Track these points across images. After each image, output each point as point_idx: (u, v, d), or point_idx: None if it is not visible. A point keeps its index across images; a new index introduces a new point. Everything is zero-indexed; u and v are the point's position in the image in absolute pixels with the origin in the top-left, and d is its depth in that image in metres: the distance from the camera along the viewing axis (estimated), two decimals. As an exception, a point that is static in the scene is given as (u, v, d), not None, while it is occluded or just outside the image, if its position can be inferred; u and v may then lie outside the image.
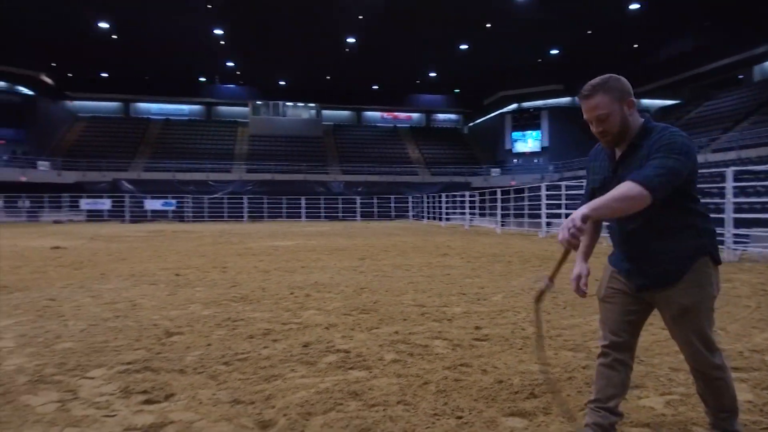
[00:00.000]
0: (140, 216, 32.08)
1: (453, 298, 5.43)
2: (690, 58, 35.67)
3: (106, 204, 32.39)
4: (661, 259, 1.96)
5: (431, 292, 5.83)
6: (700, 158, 27.10)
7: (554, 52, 38.09)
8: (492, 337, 3.88)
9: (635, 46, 35.81)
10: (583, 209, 1.73)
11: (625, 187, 1.76)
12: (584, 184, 2.32)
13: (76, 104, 46.60)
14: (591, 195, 2.20)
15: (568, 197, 18.63)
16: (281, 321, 4.43)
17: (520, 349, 3.57)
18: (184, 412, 2.53)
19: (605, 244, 2.16)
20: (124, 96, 47.33)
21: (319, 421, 2.40)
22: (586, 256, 2.19)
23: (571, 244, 1.73)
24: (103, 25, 32.05)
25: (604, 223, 2.28)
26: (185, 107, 49.50)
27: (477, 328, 4.15)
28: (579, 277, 2.14)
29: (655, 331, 4.04)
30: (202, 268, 8.15)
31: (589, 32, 33.79)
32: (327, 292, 5.86)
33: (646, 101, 43.98)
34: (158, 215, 32.69)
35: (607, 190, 1.99)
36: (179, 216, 32.69)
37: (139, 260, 9.31)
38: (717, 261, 2.02)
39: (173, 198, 33.30)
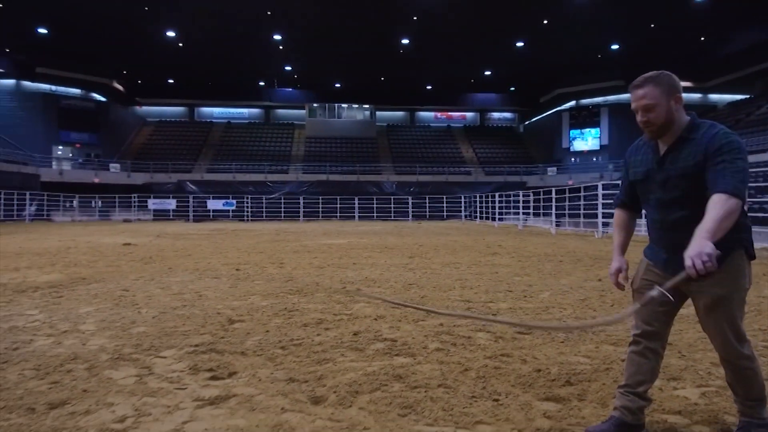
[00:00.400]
0: (203, 215, 33.55)
1: (500, 295, 5.55)
2: (761, 51, 33.78)
3: (171, 204, 34.08)
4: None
5: (478, 288, 5.96)
6: (773, 156, 25.71)
7: (615, 47, 36.99)
8: (535, 331, 3.99)
9: (702, 38, 34.24)
10: (706, 241, 1.76)
11: (725, 204, 1.83)
12: (620, 181, 2.42)
13: (144, 109, 49.21)
14: (629, 188, 2.30)
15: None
16: (333, 312, 4.70)
17: (562, 342, 3.67)
18: (246, 387, 2.81)
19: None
20: (188, 101, 49.59)
21: (366, 399, 2.62)
22: (623, 250, 2.31)
23: (707, 273, 1.75)
24: (170, 33, 33.73)
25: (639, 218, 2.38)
26: (245, 110, 51.30)
27: (521, 322, 4.26)
28: (618, 271, 2.25)
29: (701, 329, 4.03)
30: (260, 263, 8.58)
31: (652, 26, 32.60)
32: (377, 287, 6.10)
33: (714, 96, 42.00)
34: (219, 214, 34.09)
35: (651, 181, 2.12)
36: (239, 215, 33.95)
37: (203, 256, 9.87)
38: (751, 256, 2.09)
39: (233, 198, 34.63)
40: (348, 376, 2.95)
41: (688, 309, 4.84)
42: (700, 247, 1.75)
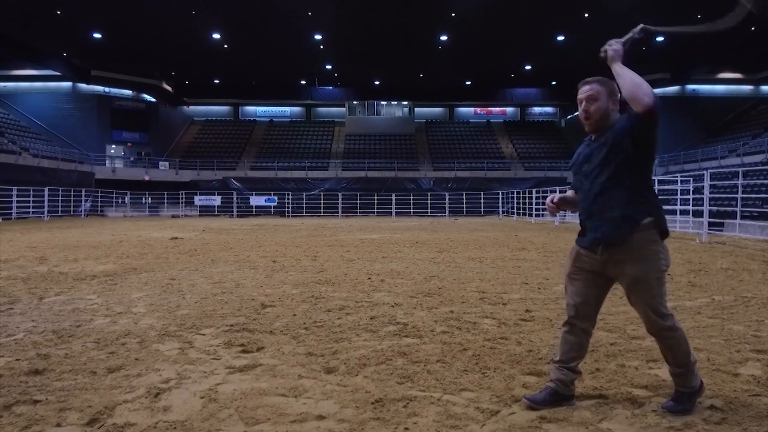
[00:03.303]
0: (246, 211, 34.70)
1: (515, 287, 5.85)
2: (817, 40, 32.22)
3: (216, 200, 35.38)
4: (610, 216, 2.37)
5: (496, 281, 6.27)
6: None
7: (659, 39, 36.00)
8: (538, 318, 4.31)
9: (752, 29, 32.93)
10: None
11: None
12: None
13: (191, 109, 51.01)
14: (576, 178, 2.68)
15: (666, 192, 17.88)
16: (355, 300, 5.13)
17: (560, 328, 3.97)
18: (270, 359, 3.26)
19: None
20: (233, 100, 51.09)
21: (371, 370, 3.03)
22: (564, 197, 2.73)
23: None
24: (216, 36, 34.96)
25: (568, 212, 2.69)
26: (287, 109, 52.45)
27: (527, 311, 4.58)
28: (553, 198, 2.71)
29: (699, 320, 4.27)
30: (295, 256, 9.11)
31: (699, 16, 31.59)
32: (400, 278, 6.49)
33: (766, 88, 40.33)
34: (262, 210, 35.18)
35: (581, 160, 2.53)
36: (280, 211, 34.94)
37: (243, 249, 10.49)
38: (665, 233, 2.40)
39: (275, 195, 35.65)
40: (359, 352, 3.37)
41: (693, 301, 5.07)
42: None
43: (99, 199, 33.10)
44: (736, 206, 13.33)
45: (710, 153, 32.68)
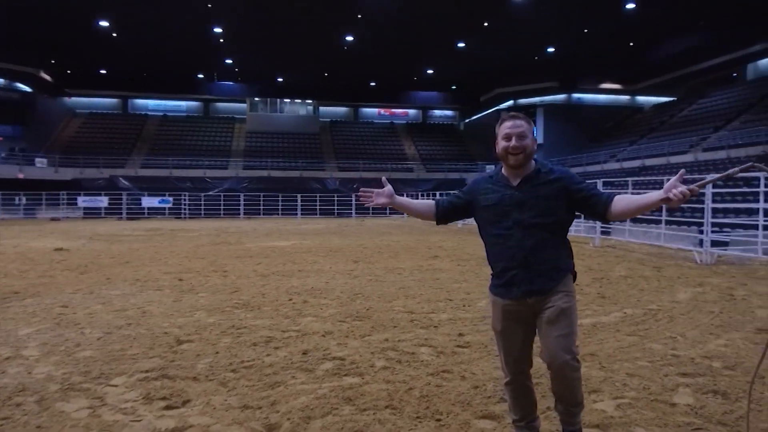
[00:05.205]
0: (137, 213, 32.33)
1: (440, 305, 5.83)
2: (685, 57, 36.02)
3: (103, 201, 32.58)
4: (545, 268, 2.35)
5: (420, 298, 6.23)
6: (691, 157, 27.51)
7: (550, 50, 38.45)
8: (472, 343, 4.28)
9: (631, 44, 36.16)
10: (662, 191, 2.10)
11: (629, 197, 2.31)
12: (455, 194, 2.70)
13: (74, 100, 46.72)
14: (455, 205, 2.62)
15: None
16: (281, 328, 4.82)
17: (497, 355, 3.96)
18: (201, 416, 2.91)
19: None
20: (122, 92, 47.48)
21: (318, 424, 2.79)
22: (401, 200, 2.75)
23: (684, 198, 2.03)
24: (104, 23, 32.22)
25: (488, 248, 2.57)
26: (183, 103, 49.69)
27: (460, 335, 4.55)
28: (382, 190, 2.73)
29: (620, 338, 4.46)
30: (202, 272, 8.51)
31: (585, 31, 34.13)
32: (323, 297, 6.25)
33: (641, 98, 44.43)
34: (155, 212, 32.94)
35: (505, 204, 2.39)
36: (176, 213, 32.94)
37: (142, 263, 9.66)
38: (575, 277, 2.49)
39: (170, 195, 33.55)
40: (300, 401, 3.11)
41: (608, 316, 5.29)
42: (682, 189, 2.04)
43: (-38, 200, 29.31)
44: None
45: (594, 158, 35.38)
